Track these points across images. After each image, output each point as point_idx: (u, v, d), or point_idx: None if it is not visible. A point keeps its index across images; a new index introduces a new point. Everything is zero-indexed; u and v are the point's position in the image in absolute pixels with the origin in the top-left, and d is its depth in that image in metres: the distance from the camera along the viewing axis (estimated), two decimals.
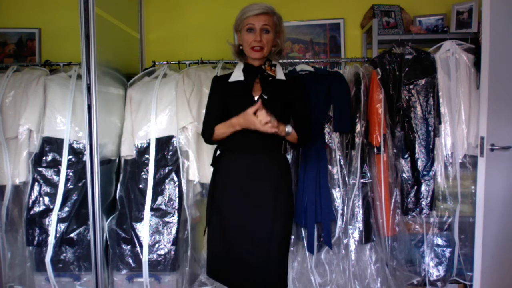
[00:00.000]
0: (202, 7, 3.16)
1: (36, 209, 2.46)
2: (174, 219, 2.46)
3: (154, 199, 2.47)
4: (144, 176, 2.50)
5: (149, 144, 2.52)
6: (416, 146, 2.58)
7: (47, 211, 2.46)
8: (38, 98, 2.50)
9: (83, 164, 2.41)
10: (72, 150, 2.49)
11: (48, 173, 2.49)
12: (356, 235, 2.52)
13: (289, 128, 1.93)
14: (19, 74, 2.65)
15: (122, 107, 2.62)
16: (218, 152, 2.11)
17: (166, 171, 2.50)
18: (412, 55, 2.61)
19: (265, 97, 1.95)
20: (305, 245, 2.51)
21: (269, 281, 1.93)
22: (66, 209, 2.45)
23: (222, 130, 1.98)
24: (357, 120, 2.52)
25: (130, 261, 2.45)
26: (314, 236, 2.48)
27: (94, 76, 2.24)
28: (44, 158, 2.49)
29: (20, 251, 2.55)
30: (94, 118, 2.27)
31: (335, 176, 2.53)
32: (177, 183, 2.50)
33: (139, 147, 2.54)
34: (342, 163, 2.52)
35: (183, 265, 2.54)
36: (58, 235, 2.42)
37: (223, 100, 2.02)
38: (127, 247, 2.45)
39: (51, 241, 2.42)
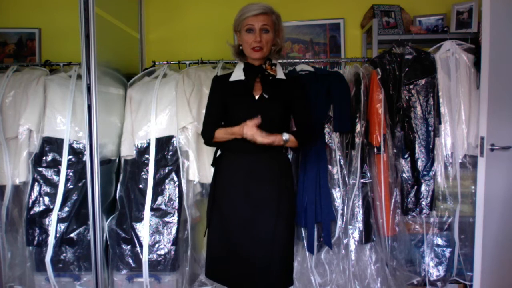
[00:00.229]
0: (202, 7, 3.16)
1: (36, 209, 2.46)
2: (174, 219, 2.46)
3: (154, 199, 2.47)
4: (144, 176, 2.50)
5: (149, 144, 2.52)
6: (416, 146, 2.58)
7: (47, 211, 2.46)
8: (38, 98, 2.50)
9: (83, 164, 2.41)
10: (72, 150, 2.49)
11: (48, 173, 2.49)
12: (356, 235, 2.52)
13: (286, 136, 1.92)
14: (19, 74, 2.65)
15: (122, 107, 2.62)
16: (219, 152, 2.12)
17: (166, 171, 2.50)
18: (412, 55, 2.61)
19: (266, 96, 1.96)
20: (305, 245, 2.51)
21: (271, 281, 1.93)
22: (66, 209, 2.45)
23: (222, 135, 1.99)
24: (357, 120, 2.52)
25: (130, 261, 2.45)
26: (314, 236, 2.48)
27: (94, 76, 2.24)
28: (44, 158, 2.49)
29: (20, 251, 2.55)
30: (94, 118, 2.27)
31: (335, 176, 2.53)
32: (177, 183, 2.50)
33: (139, 147, 2.54)
34: (342, 163, 2.52)
35: (183, 265, 2.54)
36: (58, 235, 2.42)
37: (224, 100, 2.03)
38: (127, 247, 2.45)
39: (51, 241, 2.42)
